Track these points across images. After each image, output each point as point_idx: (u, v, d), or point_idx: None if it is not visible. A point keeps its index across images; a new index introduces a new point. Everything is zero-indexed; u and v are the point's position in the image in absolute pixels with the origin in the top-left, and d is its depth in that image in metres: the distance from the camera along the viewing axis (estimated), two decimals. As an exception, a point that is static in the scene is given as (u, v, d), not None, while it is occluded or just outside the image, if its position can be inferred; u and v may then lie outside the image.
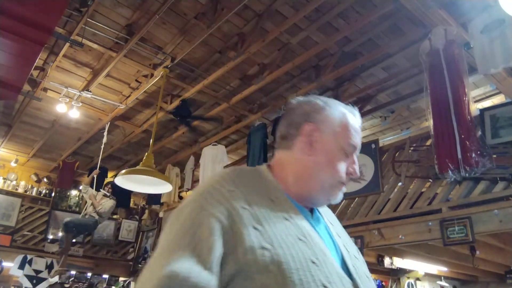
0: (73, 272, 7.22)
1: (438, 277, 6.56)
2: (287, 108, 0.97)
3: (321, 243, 0.78)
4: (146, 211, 8.48)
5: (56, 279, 6.57)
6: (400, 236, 3.65)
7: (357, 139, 0.92)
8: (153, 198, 7.41)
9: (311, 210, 0.90)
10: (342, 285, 0.73)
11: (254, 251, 0.69)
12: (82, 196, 7.15)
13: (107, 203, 6.01)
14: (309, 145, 0.88)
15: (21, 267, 6.75)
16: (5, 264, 6.74)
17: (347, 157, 0.89)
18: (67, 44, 4.37)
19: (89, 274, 7.46)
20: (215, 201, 0.75)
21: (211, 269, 0.67)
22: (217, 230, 0.70)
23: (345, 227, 1.03)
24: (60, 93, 5.35)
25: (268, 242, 0.70)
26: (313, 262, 0.71)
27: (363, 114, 5.43)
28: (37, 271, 6.88)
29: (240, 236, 0.70)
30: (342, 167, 0.88)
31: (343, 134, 0.90)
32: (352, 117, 0.93)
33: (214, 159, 5.80)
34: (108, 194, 6.16)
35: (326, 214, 0.95)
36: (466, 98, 3.07)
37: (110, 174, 7.95)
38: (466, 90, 3.09)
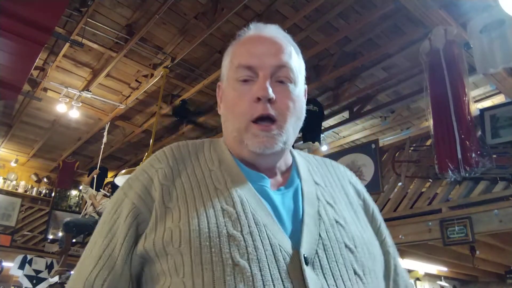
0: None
1: (438, 277, 6.56)
2: None
3: (262, 211, 0.64)
4: (146, 211, 8.47)
5: (56, 279, 6.56)
6: (400, 236, 3.65)
7: (246, 56, 0.73)
8: (153, 198, 7.40)
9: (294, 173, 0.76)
10: (273, 263, 0.59)
11: (157, 232, 0.63)
12: (82, 196, 7.15)
13: (107, 203, 6.01)
14: (220, 104, 0.80)
15: (21, 267, 6.76)
16: (5, 264, 6.74)
17: (243, 84, 0.72)
18: (67, 44, 4.37)
19: (89, 274, 7.44)
20: (138, 183, 0.70)
21: (123, 266, 0.65)
22: (130, 217, 0.66)
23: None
24: (60, 93, 5.36)
25: (175, 221, 0.63)
26: (230, 235, 0.60)
27: (363, 114, 5.44)
28: (37, 271, 6.89)
29: (150, 217, 0.66)
30: (242, 104, 0.71)
31: (230, 65, 0.77)
32: (244, 36, 0.78)
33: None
34: (108, 194, 6.16)
35: (322, 175, 0.80)
36: (466, 98, 3.07)
37: (110, 174, 7.95)
38: (466, 90, 3.09)
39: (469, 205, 3.34)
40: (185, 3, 3.89)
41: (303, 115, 0.77)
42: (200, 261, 0.58)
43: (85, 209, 6.10)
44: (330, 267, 0.62)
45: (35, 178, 8.22)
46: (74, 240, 6.78)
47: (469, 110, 3.06)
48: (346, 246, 0.65)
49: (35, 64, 4.13)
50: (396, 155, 4.08)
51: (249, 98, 0.71)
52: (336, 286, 0.60)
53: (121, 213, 0.68)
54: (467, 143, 2.97)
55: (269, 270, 0.58)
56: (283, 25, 4.39)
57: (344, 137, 6.44)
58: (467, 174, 2.97)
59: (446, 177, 3.09)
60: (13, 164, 7.75)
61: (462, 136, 2.98)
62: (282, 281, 0.58)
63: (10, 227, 7.01)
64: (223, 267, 0.57)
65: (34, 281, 6.76)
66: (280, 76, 0.72)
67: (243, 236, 0.60)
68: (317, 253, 0.63)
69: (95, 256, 0.66)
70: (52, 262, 7.05)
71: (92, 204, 5.96)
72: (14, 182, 7.91)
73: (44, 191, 8.15)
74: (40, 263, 6.97)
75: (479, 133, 3.22)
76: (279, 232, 0.63)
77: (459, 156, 2.95)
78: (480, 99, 5.11)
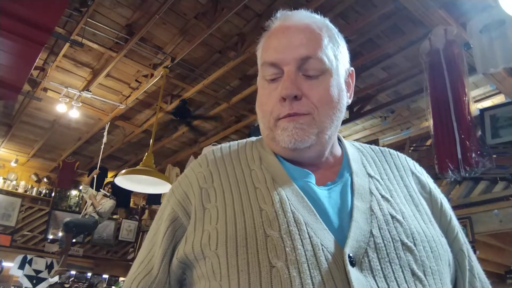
0: (73, 272, 7.22)
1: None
2: None
3: (303, 209, 0.60)
4: (146, 211, 8.48)
5: (56, 279, 6.57)
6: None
7: (270, 51, 0.70)
8: (153, 198, 7.41)
9: (345, 169, 0.70)
10: (314, 264, 0.54)
11: (196, 235, 0.62)
12: (82, 196, 7.15)
13: (107, 203, 6.02)
14: None
15: (21, 267, 6.76)
16: (5, 264, 6.74)
17: (271, 83, 0.69)
18: (67, 44, 4.37)
19: (89, 274, 7.46)
20: (179, 189, 0.71)
21: (158, 270, 0.66)
22: (167, 221, 0.67)
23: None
24: (60, 93, 5.36)
25: (212, 222, 0.61)
26: (268, 236, 0.56)
27: (363, 114, 5.44)
28: (37, 271, 6.89)
29: (189, 221, 0.66)
30: (269, 103, 0.68)
31: (259, 62, 0.73)
32: (272, 28, 0.73)
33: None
34: (108, 194, 6.16)
35: (378, 166, 0.74)
36: (466, 98, 3.07)
37: (110, 174, 7.95)
38: (466, 90, 3.09)
39: (469, 205, 3.35)
40: (185, 3, 3.89)
41: (342, 103, 0.71)
42: (236, 263, 0.56)
43: (85, 209, 6.11)
44: (382, 268, 0.56)
45: (35, 178, 8.22)
46: (74, 240, 6.78)
47: (469, 110, 3.06)
48: (403, 244, 0.59)
49: (35, 64, 4.13)
50: (396, 155, 4.08)
51: (275, 97, 0.67)
52: None
53: (163, 219, 0.69)
54: (467, 143, 2.97)
55: (309, 272, 0.53)
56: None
57: (344, 137, 6.35)
58: (467, 174, 2.97)
59: (446, 177, 3.09)
60: (13, 164, 7.75)
61: (462, 136, 2.98)
62: (324, 284, 0.53)
63: (10, 227, 7.00)
64: (259, 270, 0.54)
65: (34, 281, 6.76)
66: (308, 69, 0.67)
67: (281, 237, 0.56)
68: (366, 252, 0.57)
69: (138, 262, 0.69)
70: (52, 262, 7.05)
71: (92, 204, 5.97)
72: (14, 182, 7.91)
73: (44, 191, 8.15)
74: (40, 263, 6.97)
75: (479, 133, 3.23)
76: (322, 230, 0.58)
77: (459, 156, 2.95)
78: (480, 99, 5.11)
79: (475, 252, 3.65)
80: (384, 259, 0.56)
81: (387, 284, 0.54)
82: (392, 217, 0.62)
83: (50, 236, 7.33)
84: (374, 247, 0.57)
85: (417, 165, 0.79)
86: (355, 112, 5.51)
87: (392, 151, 0.80)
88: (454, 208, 3.50)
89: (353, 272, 0.54)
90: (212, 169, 0.70)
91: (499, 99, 4.81)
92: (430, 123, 3.25)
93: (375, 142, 4.28)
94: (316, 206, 0.62)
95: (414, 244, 0.59)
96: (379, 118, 5.89)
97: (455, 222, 0.72)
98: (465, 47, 3.22)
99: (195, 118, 5.53)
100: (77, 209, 8.03)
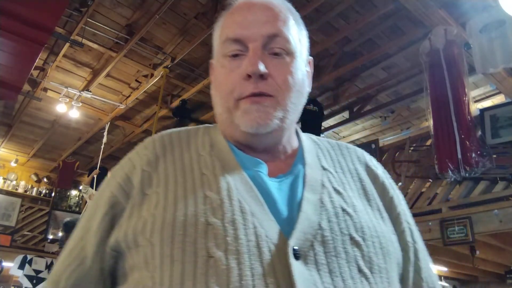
0: (73, 272, 7.22)
1: (438, 277, 6.55)
2: None
3: (251, 198, 0.57)
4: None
5: (56, 279, 6.57)
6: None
7: (233, 27, 0.65)
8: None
9: (300, 159, 0.67)
10: (256, 256, 0.51)
11: (131, 221, 0.58)
12: (82, 196, 7.15)
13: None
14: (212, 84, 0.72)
15: (21, 267, 6.75)
16: (5, 264, 6.74)
17: (233, 60, 0.64)
18: (67, 44, 4.37)
19: (89, 274, 7.45)
20: (120, 172, 0.64)
21: (92, 260, 0.59)
22: (105, 206, 0.61)
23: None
24: (60, 93, 5.36)
25: (150, 208, 0.57)
26: (209, 224, 0.52)
27: (363, 114, 5.44)
28: (37, 271, 6.88)
29: (127, 204, 0.60)
30: (230, 82, 0.63)
31: (219, 39, 0.68)
32: (235, 6, 0.69)
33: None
34: (108, 194, 6.16)
35: (333, 160, 0.70)
36: (466, 98, 3.07)
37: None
38: (466, 90, 3.09)
39: (469, 205, 3.34)
40: (185, 3, 3.89)
41: (305, 89, 0.68)
42: (171, 253, 0.51)
43: (85, 209, 6.10)
44: (327, 262, 0.53)
45: (35, 178, 8.22)
46: (74, 240, 6.77)
47: (469, 110, 3.07)
48: (351, 238, 0.56)
49: (35, 64, 4.13)
50: (396, 155, 4.09)
51: (238, 75, 0.62)
52: (333, 285, 0.51)
53: (100, 204, 0.62)
54: (467, 143, 2.97)
55: (250, 263, 0.50)
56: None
57: (344, 137, 6.44)
58: (467, 174, 2.97)
59: (446, 177, 3.10)
60: (13, 164, 7.75)
61: (462, 136, 2.98)
62: (264, 276, 0.49)
63: (10, 227, 7.01)
64: (195, 260, 0.50)
65: (34, 281, 6.76)
66: (274, 48, 0.63)
67: (223, 225, 0.52)
68: (313, 245, 0.54)
69: (68, 250, 0.62)
70: (52, 262, 7.04)
71: (92, 204, 5.96)
72: (14, 182, 7.91)
73: (44, 191, 8.14)
74: (40, 263, 6.96)
75: (479, 133, 3.23)
76: (268, 221, 0.55)
77: (459, 156, 2.95)
78: (480, 99, 5.11)
79: (475, 252, 3.61)
80: (331, 253, 0.54)
81: (332, 279, 0.52)
82: (343, 210, 0.59)
83: (50, 236, 7.34)
84: (321, 240, 0.54)
85: (373, 159, 0.76)
86: (355, 112, 5.51)
87: (349, 145, 0.77)
88: (454, 208, 3.50)
89: (296, 265, 0.51)
90: (159, 153, 0.65)
91: (499, 99, 4.82)
92: (430, 123, 3.25)
93: (375, 142, 4.28)
94: (265, 196, 0.58)
95: (363, 239, 0.56)
96: (379, 118, 5.89)
97: (405, 216, 0.68)
98: (465, 47, 3.22)
99: (192, 121, 5.53)
100: (77, 209, 8.03)
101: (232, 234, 0.52)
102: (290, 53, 0.64)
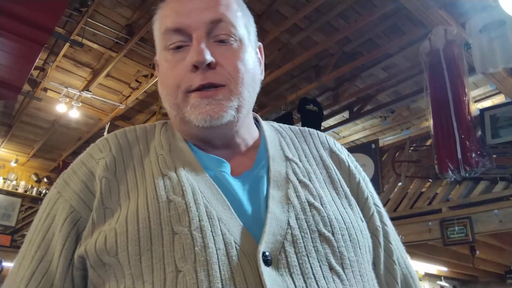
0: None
1: (438, 277, 6.56)
2: None
3: (216, 202, 0.54)
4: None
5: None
6: (400, 236, 3.64)
7: (172, 17, 0.61)
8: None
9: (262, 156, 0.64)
10: (226, 265, 0.48)
11: (92, 237, 0.53)
12: (82, 196, 7.13)
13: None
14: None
15: (21, 267, 6.76)
16: (5, 264, 6.74)
17: (176, 53, 0.60)
18: (67, 44, 4.37)
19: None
20: (75, 179, 0.60)
21: (58, 284, 0.54)
22: (68, 224, 0.55)
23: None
24: (60, 93, 5.36)
25: (112, 222, 0.53)
26: (175, 234, 0.49)
27: (363, 114, 5.44)
28: (37, 271, 6.89)
29: (89, 218, 0.55)
30: (176, 75, 0.59)
31: (158, 32, 0.64)
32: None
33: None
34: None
35: (297, 148, 0.68)
36: (466, 98, 3.07)
37: (110, 174, 7.95)
38: (466, 90, 3.09)
39: (469, 205, 3.34)
40: (185, 3, 3.89)
41: (257, 76, 0.64)
42: (141, 273, 0.48)
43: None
44: (299, 263, 0.50)
45: (35, 178, 8.22)
46: (74, 240, 6.78)
47: (469, 110, 3.07)
48: (320, 234, 0.53)
49: (35, 64, 4.13)
50: (396, 155, 4.09)
51: (184, 67, 0.58)
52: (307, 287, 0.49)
53: (55, 218, 0.57)
54: (467, 143, 2.97)
55: (220, 274, 0.47)
56: (283, 25, 4.38)
57: (344, 137, 6.44)
58: (467, 174, 2.97)
59: (446, 177, 3.10)
60: (13, 164, 7.75)
61: (462, 136, 2.98)
62: (235, 287, 0.47)
63: (10, 227, 7.01)
64: (164, 277, 0.47)
65: (34, 281, 6.77)
66: (220, 34, 0.59)
67: (191, 233, 0.49)
68: (283, 247, 0.51)
69: (28, 273, 0.54)
70: (52, 262, 7.06)
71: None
72: (14, 182, 7.91)
73: (44, 191, 8.14)
74: (40, 263, 6.98)
75: (479, 133, 3.23)
76: (237, 226, 0.52)
77: (459, 156, 2.95)
78: (480, 99, 5.11)
79: (475, 252, 3.61)
80: (302, 253, 0.51)
81: (305, 281, 0.49)
82: (310, 204, 0.56)
83: (50, 236, 7.34)
84: (291, 240, 0.52)
85: (337, 143, 0.73)
86: (355, 112, 5.51)
87: (312, 130, 0.73)
88: (454, 208, 3.51)
89: (267, 272, 0.48)
90: (116, 155, 0.61)
91: (499, 99, 4.82)
92: (430, 123, 3.25)
93: (375, 142, 4.28)
94: (231, 198, 0.55)
95: (332, 233, 0.54)
96: (379, 118, 5.89)
97: (372, 200, 0.65)
98: (465, 47, 3.22)
99: None
100: (77, 209, 8.03)
101: (201, 243, 0.49)
102: (237, 39, 0.60)
